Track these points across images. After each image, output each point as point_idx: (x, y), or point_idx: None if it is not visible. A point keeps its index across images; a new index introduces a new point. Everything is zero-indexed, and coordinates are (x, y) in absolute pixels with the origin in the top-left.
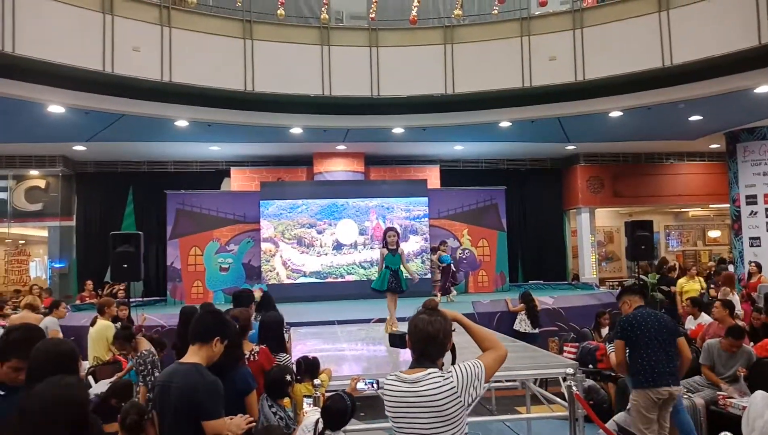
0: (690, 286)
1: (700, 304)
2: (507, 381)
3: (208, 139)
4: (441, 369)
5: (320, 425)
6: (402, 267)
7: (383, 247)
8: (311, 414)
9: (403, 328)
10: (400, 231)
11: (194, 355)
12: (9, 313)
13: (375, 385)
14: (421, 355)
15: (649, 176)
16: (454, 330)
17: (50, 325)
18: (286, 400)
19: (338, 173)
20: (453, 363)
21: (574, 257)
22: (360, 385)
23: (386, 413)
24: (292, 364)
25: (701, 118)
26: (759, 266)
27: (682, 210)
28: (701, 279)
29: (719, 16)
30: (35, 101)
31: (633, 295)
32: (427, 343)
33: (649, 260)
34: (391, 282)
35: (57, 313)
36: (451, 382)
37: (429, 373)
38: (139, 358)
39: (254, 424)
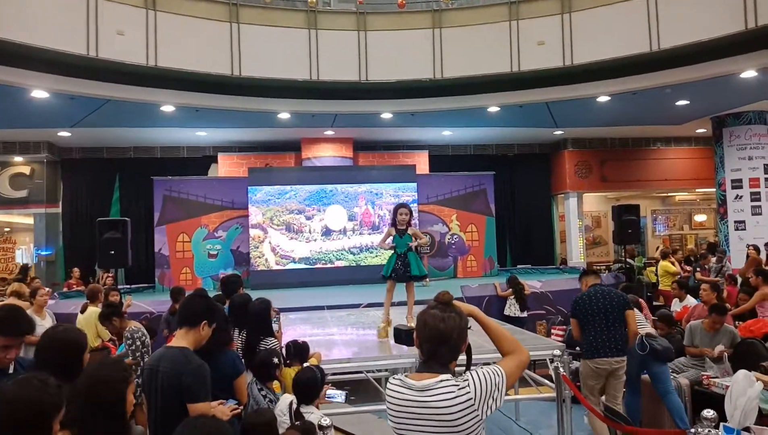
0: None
1: (686, 287)
2: (495, 363)
3: (195, 124)
4: (454, 374)
5: (294, 404)
6: (413, 246)
7: (392, 225)
8: (284, 398)
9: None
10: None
11: (181, 339)
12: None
13: (343, 397)
14: (431, 358)
15: (636, 161)
16: (470, 328)
17: None
18: (276, 383)
19: (327, 159)
20: (468, 367)
21: (562, 242)
22: (330, 392)
23: (389, 421)
24: (282, 348)
25: (688, 102)
26: (757, 249)
27: (669, 194)
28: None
29: (706, 0)
30: (18, 86)
31: (588, 276)
32: (439, 343)
33: (636, 244)
34: (397, 268)
35: (37, 303)
36: (468, 392)
37: (441, 380)
38: (127, 332)
39: (239, 410)
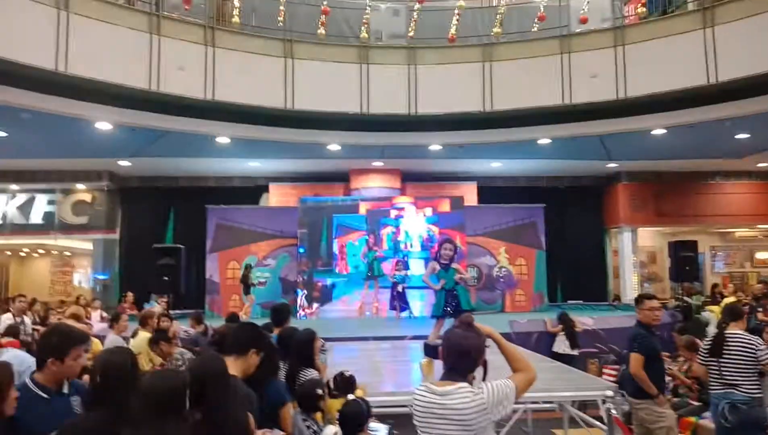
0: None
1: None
2: (544, 402)
3: (248, 155)
4: (471, 383)
5: None
6: (459, 280)
7: (436, 259)
8: (328, 429)
9: None
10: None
11: (230, 367)
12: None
13: (386, 432)
14: (452, 369)
15: (693, 195)
16: (488, 346)
17: (113, 344)
18: (318, 414)
19: (375, 189)
20: (484, 379)
21: (615, 278)
22: (373, 425)
23: (414, 421)
24: (329, 380)
25: (748, 136)
26: None
27: (729, 230)
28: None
29: (765, 33)
30: (85, 118)
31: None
32: (459, 357)
33: (693, 281)
34: (448, 304)
35: (118, 328)
36: (482, 398)
37: (459, 387)
38: (177, 354)
39: None
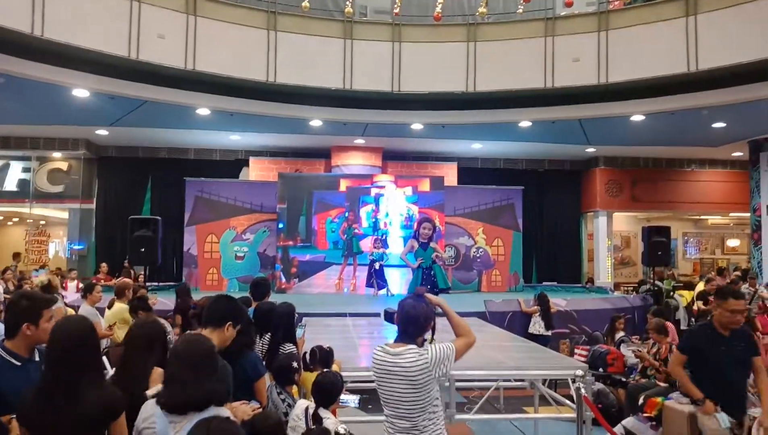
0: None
1: None
2: (516, 380)
3: (229, 128)
4: (421, 345)
5: (310, 409)
6: (435, 258)
7: (414, 238)
8: (300, 403)
9: None
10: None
11: None
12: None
13: (356, 402)
14: (404, 332)
15: (669, 182)
16: (437, 313)
17: (87, 316)
18: (294, 388)
19: (356, 167)
20: (431, 340)
21: (589, 261)
22: (344, 397)
23: (372, 377)
24: (306, 353)
25: (725, 125)
26: None
27: (701, 217)
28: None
29: (747, 23)
30: (61, 85)
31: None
32: (409, 323)
33: (665, 266)
34: (425, 283)
35: (91, 299)
36: (426, 358)
37: (408, 349)
38: None
39: (261, 411)
